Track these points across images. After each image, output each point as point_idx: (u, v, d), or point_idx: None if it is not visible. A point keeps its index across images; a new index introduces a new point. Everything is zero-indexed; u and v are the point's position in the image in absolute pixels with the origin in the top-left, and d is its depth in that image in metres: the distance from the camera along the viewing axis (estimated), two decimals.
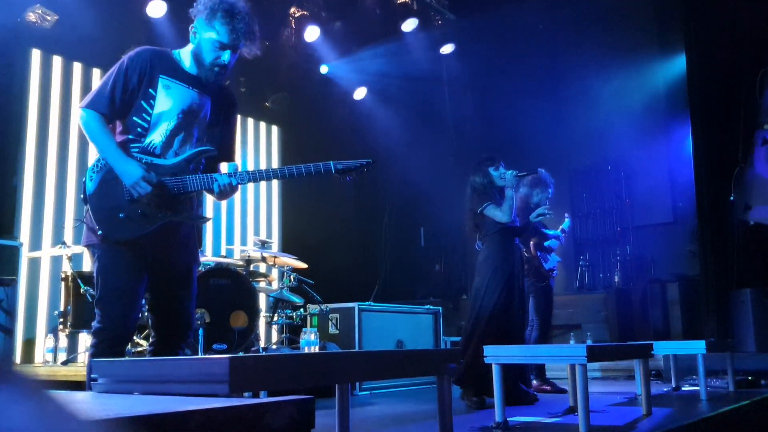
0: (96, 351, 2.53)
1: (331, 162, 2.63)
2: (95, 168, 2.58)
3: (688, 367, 5.46)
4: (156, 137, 2.58)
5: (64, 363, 5.29)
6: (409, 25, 8.39)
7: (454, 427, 2.47)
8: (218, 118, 2.74)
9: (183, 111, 2.61)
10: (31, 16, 5.94)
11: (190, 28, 2.64)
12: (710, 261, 7.19)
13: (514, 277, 4.55)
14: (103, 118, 2.58)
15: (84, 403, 1.38)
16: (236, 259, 6.12)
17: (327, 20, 8.00)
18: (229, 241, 8.04)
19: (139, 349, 5.18)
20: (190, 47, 2.68)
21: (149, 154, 2.57)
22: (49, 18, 5.93)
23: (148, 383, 1.71)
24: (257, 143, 8.72)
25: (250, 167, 8.50)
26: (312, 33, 7.87)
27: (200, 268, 5.47)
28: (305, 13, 7.82)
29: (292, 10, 7.78)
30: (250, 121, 8.63)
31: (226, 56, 2.60)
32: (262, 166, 8.69)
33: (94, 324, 2.58)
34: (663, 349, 4.98)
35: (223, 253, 7.33)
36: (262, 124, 8.79)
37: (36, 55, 6.36)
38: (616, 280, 8.77)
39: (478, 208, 4.60)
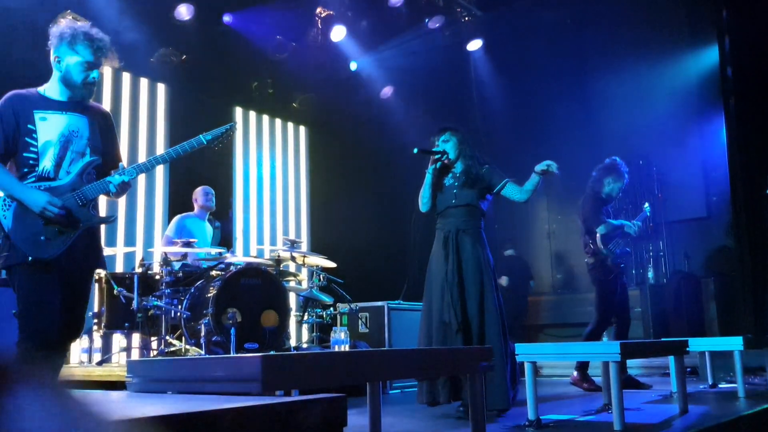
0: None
1: (200, 135, 3.06)
2: (4, 207, 2.85)
3: (725, 364, 5.35)
4: (47, 163, 2.89)
5: (99, 363, 5.37)
6: (436, 22, 8.36)
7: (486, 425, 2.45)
8: (97, 131, 3.05)
9: (63, 135, 2.93)
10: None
11: (53, 59, 2.98)
12: (746, 256, 7.04)
13: (435, 272, 4.09)
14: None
15: (119, 402, 1.39)
16: (266, 258, 6.15)
17: (353, 19, 8.01)
18: (259, 241, 8.09)
19: (172, 348, 5.24)
20: (55, 77, 3.00)
21: (45, 180, 2.88)
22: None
23: (181, 382, 1.72)
24: (285, 144, 8.76)
25: (279, 168, 8.56)
26: (338, 33, 7.88)
27: (231, 268, 5.52)
28: (331, 13, 7.84)
29: (318, 10, 7.80)
30: (278, 121, 8.66)
31: (95, 74, 2.99)
32: (291, 167, 8.74)
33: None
34: (698, 345, 4.89)
35: (254, 253, 7.38)
36: (290, 125, 8.82)
37: None
38: (650, 276, 8.64)
39: None
